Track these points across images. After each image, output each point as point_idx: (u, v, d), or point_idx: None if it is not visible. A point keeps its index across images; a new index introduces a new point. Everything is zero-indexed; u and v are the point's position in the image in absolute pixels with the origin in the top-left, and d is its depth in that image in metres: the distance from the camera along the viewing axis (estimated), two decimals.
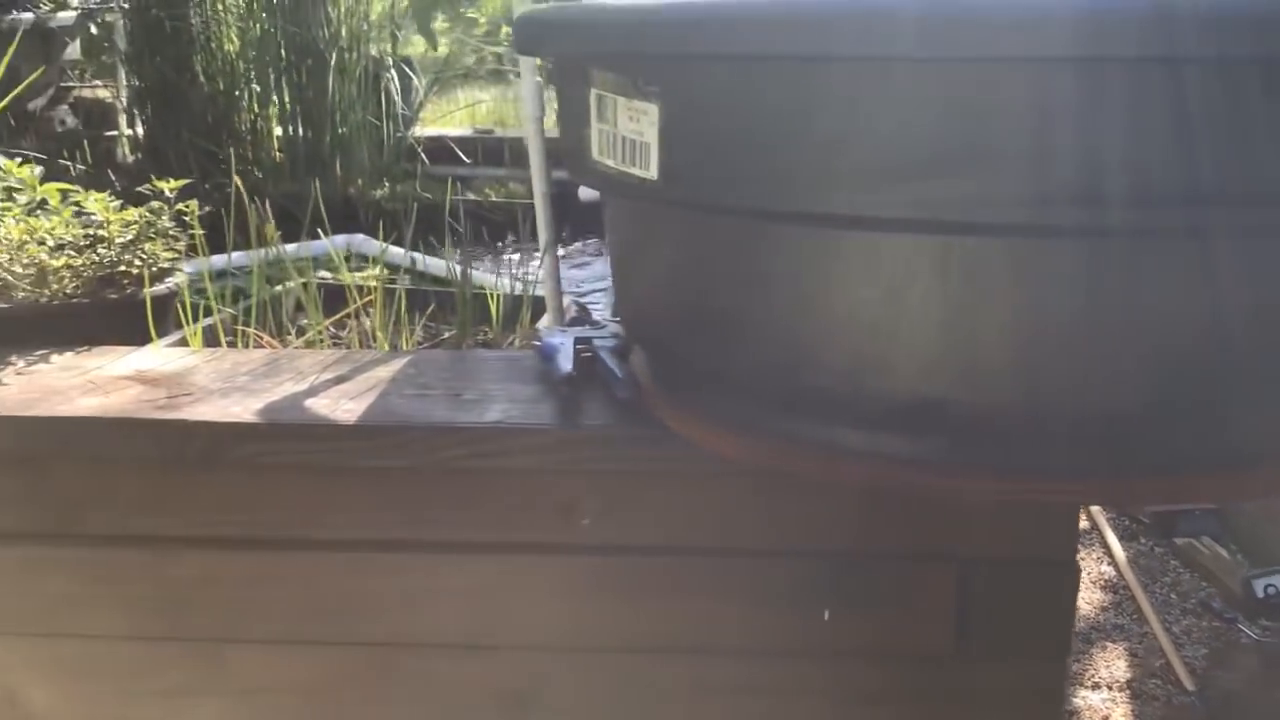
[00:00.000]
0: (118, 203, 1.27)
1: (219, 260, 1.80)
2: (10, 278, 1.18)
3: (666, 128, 0.76)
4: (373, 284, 1.34)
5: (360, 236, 2.64)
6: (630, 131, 0.80)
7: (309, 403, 1.00)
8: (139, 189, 1.34)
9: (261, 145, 3.01)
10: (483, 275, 2.15)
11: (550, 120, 1.34)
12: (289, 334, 1.43)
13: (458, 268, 1.89)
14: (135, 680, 1.06)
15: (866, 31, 0.65)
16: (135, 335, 1.22)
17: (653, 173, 0.78)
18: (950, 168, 0.67)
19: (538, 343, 1.08)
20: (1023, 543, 0.96)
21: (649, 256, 0.87)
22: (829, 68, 0.68)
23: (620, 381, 0.94)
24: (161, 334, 1.24)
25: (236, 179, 1.46)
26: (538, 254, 1.38)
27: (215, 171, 2.86)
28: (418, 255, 2.02)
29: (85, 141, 3.20)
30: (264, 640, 1.04)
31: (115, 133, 3.34)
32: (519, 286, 1.52)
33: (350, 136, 2.91)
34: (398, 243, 2.48)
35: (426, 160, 3.03)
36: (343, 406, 0.99)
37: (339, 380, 1.06)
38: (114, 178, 2.94)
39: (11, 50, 1.50)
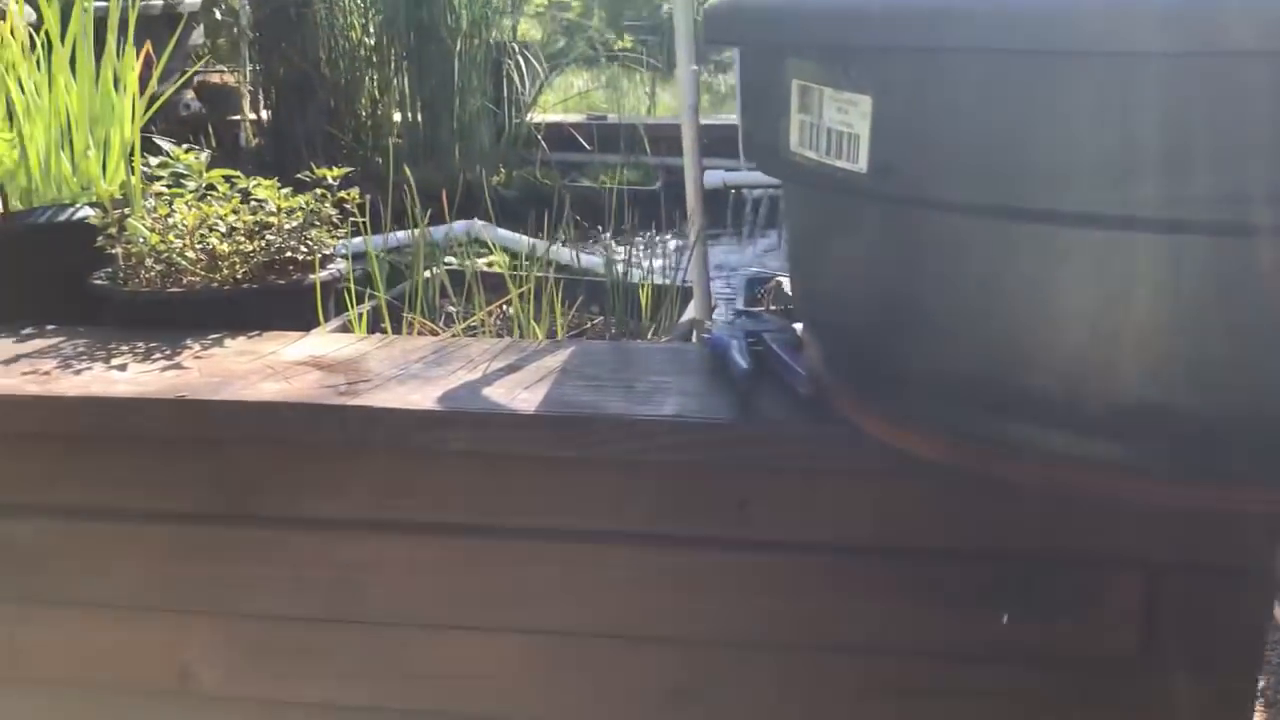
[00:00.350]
0: (287, 189, 1.29)
1: (356, 244, 1.83)
2: (184, 262, 1.21)
3: (880, 120, 0.74)
4: (528, 273, 1.34)
5: (480, 223, 2.67)
6: (837, 123, 0.78)
7: (486, 391, 1.00)
8: (300, 175, 1.36)
9: (381, 131, 3.04)
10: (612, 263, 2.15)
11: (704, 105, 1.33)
12: (438, 320, 1.44)
13: (588, 257, 1.89)
14: (307, 662, 1.08)
15: (1107, 26, 0.63)
16: (301, 320, 1.24)
17: (861, 165, 0.77)
18: (1186, 166, 0.65)
19: (707, 335, 1.07)
20: (1217, 550, 0.93)
21: (844, 251, 0.85)
22: (1065, 62, 0.65)
23: (802, 378, 0.93)
24: (325, 319, 1.26)
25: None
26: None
27: (338, 157, 2.91)
28: (564, 250, 2.03)
29: (210, 126, 3.28)
30: (437, 625, 1.05)
31: (238, 117, 3.41)
32: (643, 275, 1.51)
33: (469, 122, 2.93)
34: (516, 229, 2.49)
35: (546, 146, 3.04)
36: (519, 396, 0.99)
37: (510, 369, 1.06)
38: (238, 163, 3.00)
39: (170, 48, 1.53)
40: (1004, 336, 0.74)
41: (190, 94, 3.52)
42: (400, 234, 2.01)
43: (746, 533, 0.98)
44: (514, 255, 2.28)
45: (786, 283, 1.59)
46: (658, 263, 2.18)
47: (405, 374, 1.05)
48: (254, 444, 1.03)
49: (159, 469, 1.05)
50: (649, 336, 1.47)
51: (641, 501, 0.99)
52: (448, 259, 2.10)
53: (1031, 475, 0.78)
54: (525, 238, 2.34)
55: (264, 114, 3.28)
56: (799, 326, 1.08)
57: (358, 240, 1.86)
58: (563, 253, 2.12)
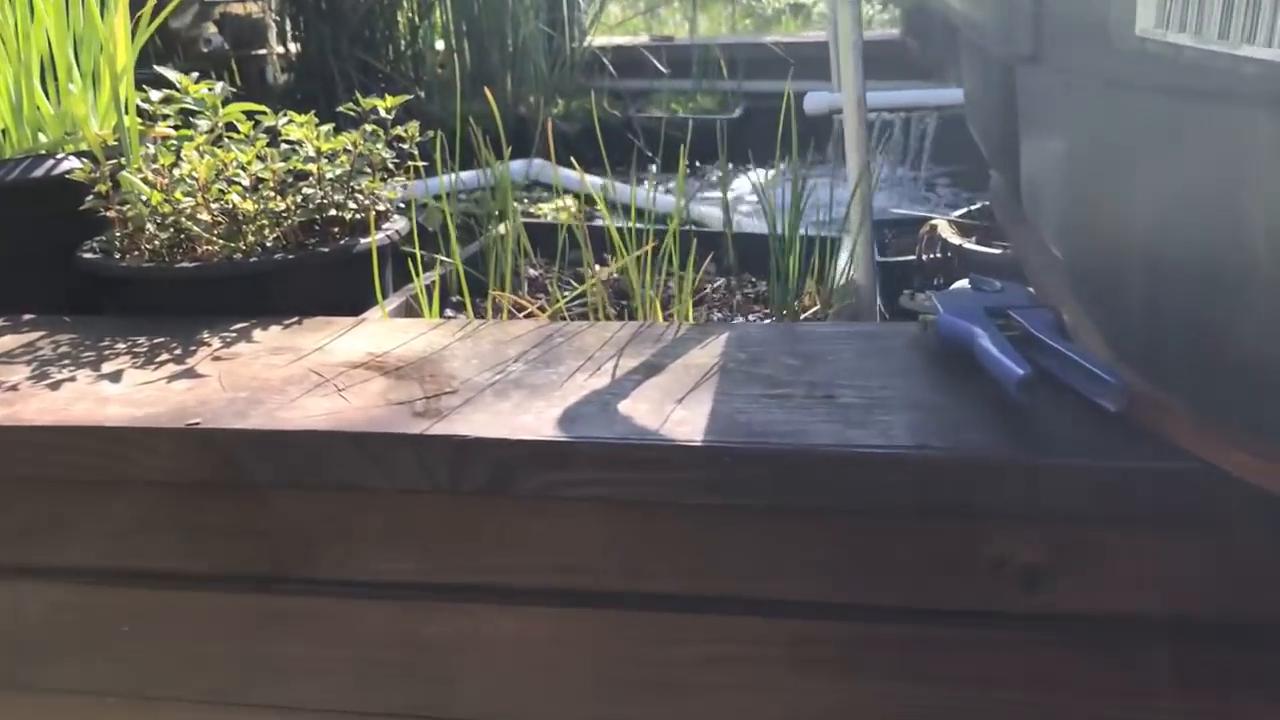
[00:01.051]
0: (326, 127, 0.98)
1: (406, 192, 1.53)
2: (197, 227, 0.91)
3: None
4: (638, 228, 1.03)
5: (539, 162, 2.34)
6: None
7: (623, 407, 0.70)
8: (343, 109, 1.06)
9: (423, 62, 2.72)
10: (707, 209, 1.84)
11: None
12: (520, 288, 1.14)
13: (700, 206, 1.57)
14: None
15: None
16: (351, 298, 0.94)
17: None
18: None
19: (933, 317, 0.76)
20: None
21: (1217, 194, 0.54)
22: None
23: (1112, 386, 0.62)
24: (383, 295, 0.96)
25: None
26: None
27: (375, 91, 2.59)
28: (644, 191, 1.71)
29: (234, 62, 2.96)
30: None
31: (264, 51, 3.09)
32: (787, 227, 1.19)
33: (522, 48, 2.60)
34: (580, 167, 2.17)
35: (615, 71, 2.69)
36: (671, 415, 0.69)
37: (649, 370, 0.76)
38: (264, 102, 2.70)
39: None
40: None
41: (211, 28, 3.20)
42: (466, 174, 1.71)
43: (1006, 604, 0.68)
44: (578, 199, 1.97)
45: (943, 226, 1.27)
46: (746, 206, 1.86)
47: (504, 380, 0.75)
48: (299, 487, 0.73)
49: (174, 519, 0.77)
50: (795, 305, 1.16)
51: (853, 561, 0.69)
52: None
53: None
54: (597, 179, 2.03)
55: (293, 47, 2.95)
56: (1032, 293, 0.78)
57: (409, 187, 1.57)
58: (647, 196, 1.80)
